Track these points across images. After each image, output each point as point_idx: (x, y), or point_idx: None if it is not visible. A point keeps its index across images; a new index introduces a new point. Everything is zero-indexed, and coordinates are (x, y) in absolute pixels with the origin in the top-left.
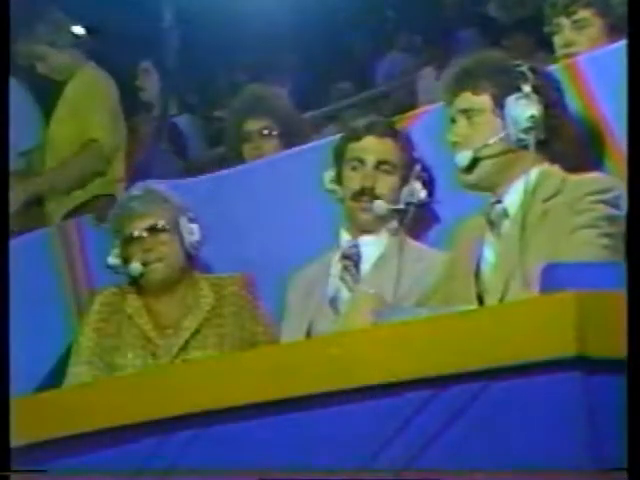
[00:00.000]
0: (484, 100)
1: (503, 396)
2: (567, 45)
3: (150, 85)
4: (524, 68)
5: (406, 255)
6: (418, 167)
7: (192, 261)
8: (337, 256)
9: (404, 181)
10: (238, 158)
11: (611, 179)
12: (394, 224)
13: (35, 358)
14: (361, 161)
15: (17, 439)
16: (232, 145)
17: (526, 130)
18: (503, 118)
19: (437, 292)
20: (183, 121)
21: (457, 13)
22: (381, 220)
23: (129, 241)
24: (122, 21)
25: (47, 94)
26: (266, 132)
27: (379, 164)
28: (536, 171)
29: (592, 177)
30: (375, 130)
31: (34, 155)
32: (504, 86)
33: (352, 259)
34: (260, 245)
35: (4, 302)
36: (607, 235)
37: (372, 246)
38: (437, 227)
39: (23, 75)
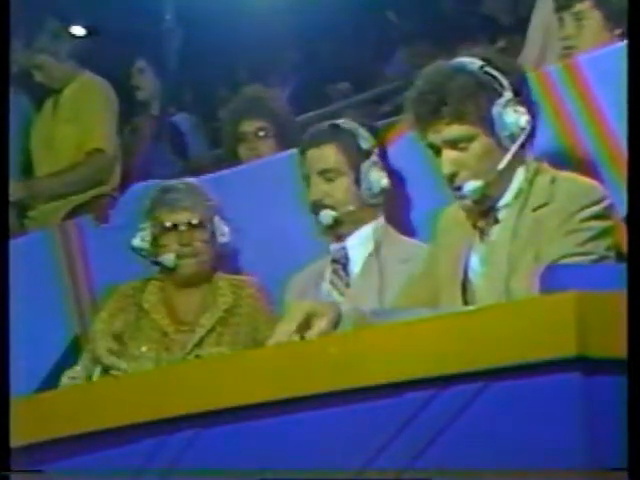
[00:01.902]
0: (470, 128)
1: (503, 396)
2: (566, 38)
3: (148, 85)
4: (490, 70)
5: (391, 256)
6: (373, 158)
7: (219, 262)
8: (329, 260)
9: (357, 177)
10: (234, 159)
11: (600, 188)
12: (381, 221)
13: (35, 358)
14: (307, 176)
15: (17, 439)
16: (228, 146)
17: (515, 137)
18: (494, 134)
19: (418, 292)
20: (183, 121)
21: (457, 14)
22: (335, 228)
23: (165, 231)
24: (122, 22)
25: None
26: (262, 133)
27: (321, 173)
28: (523, 171)
29: (582, 187)
30: (314, 141)
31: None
32: (485, 101)
33: (340, 262)
34: (259, 247)
35: (4, 302)
36: (597, 260)
37: (359, 247)
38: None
39: (18, 81)
